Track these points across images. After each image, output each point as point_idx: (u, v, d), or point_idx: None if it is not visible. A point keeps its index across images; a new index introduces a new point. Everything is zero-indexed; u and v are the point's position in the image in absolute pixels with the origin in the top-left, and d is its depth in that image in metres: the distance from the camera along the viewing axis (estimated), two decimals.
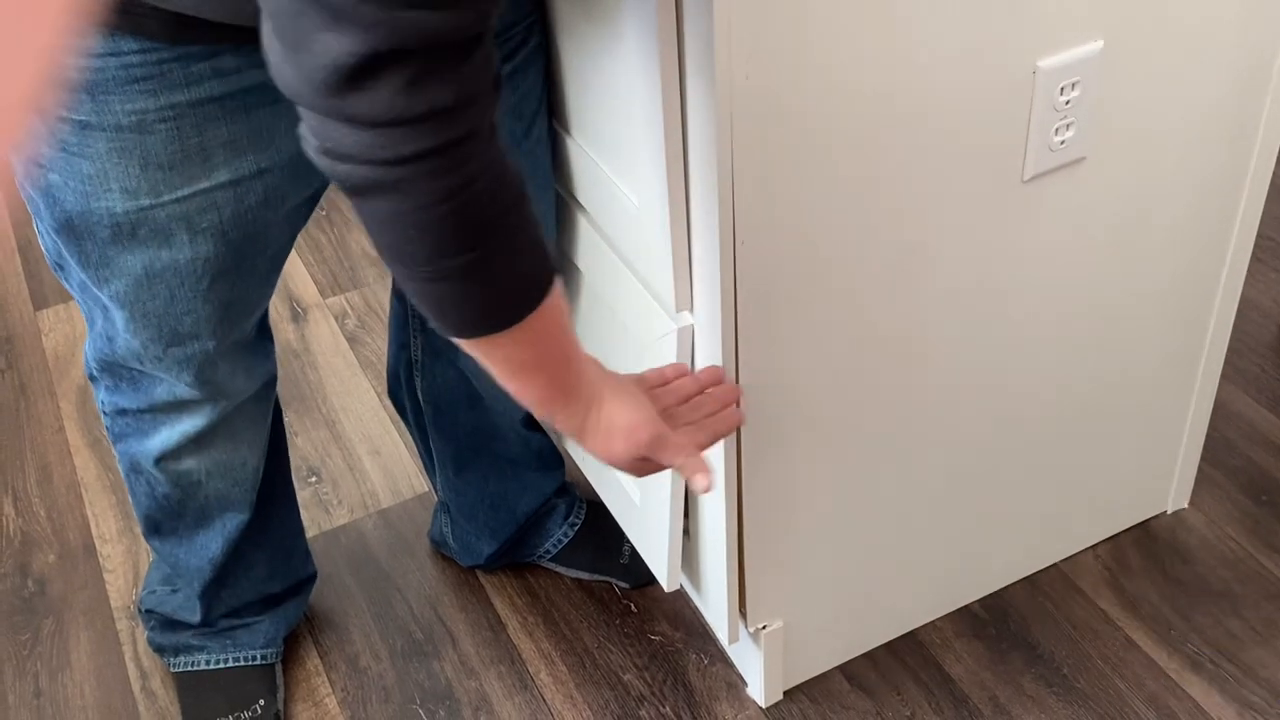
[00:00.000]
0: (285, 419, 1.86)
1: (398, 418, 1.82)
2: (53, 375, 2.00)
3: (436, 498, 1.64)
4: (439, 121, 0.78)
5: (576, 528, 1.61)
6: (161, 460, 1.28)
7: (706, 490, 1.04)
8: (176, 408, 1.24)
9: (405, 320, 1.44)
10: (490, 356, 0.95)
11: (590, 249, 1.31)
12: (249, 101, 1.03)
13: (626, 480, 1.41)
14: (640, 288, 1.22)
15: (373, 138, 0.78)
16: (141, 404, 1.24)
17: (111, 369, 1.22)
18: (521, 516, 1.57)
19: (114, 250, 1.08)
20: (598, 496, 1.55)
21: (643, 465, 1.06)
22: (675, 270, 1.15)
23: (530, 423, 1.53)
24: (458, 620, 1.59)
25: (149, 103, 1.00)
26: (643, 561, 1.58)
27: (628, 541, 1.60)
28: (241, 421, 1.28)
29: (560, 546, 1.60)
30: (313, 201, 1.18)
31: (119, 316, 1.14)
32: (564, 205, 1.32)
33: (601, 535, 1.61)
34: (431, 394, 1.46)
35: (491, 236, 0.86)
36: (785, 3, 0.97)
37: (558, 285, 0.94)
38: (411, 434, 1.58)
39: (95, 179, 1.03)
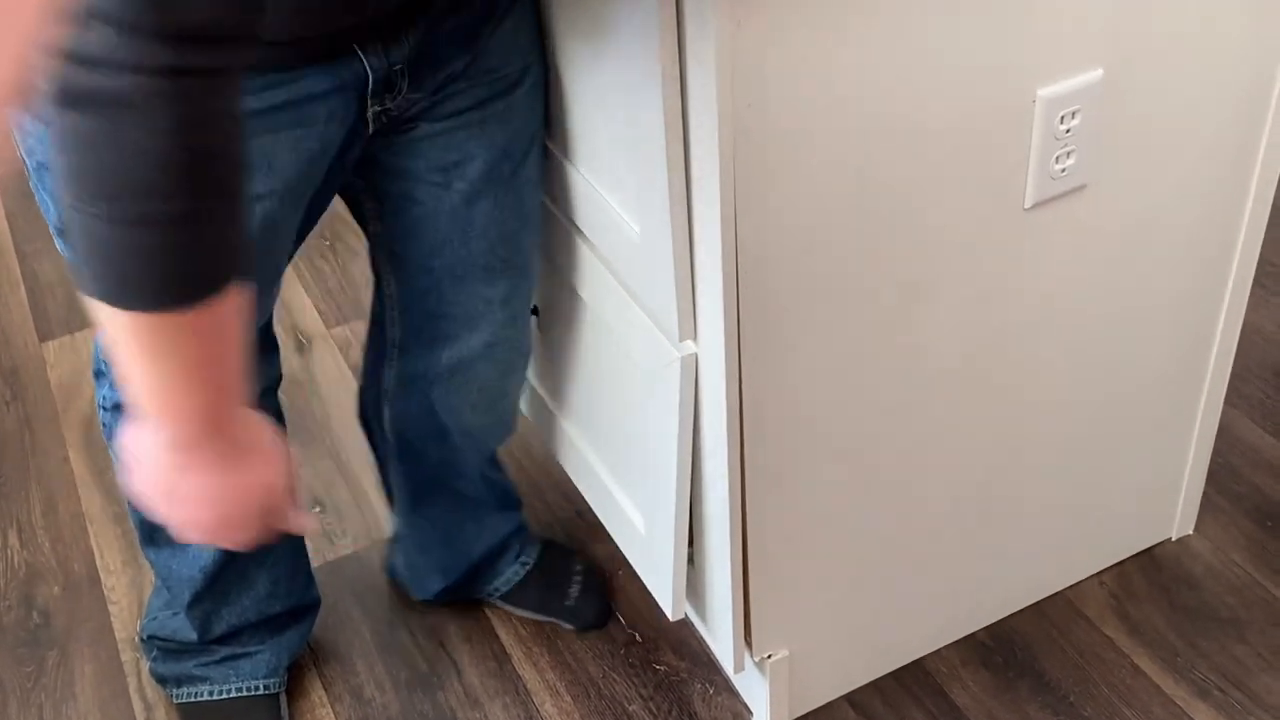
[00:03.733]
0: (290, 450, 1.86)
1: None
2: (58, 406, 2.00)
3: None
4: (194, 44, 0.76)
5: (528, 567, 1.60)
6: None
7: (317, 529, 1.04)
8: None
9: (382, 348, 1.43)
10: (171, 344, 0.86)
11: (593, 278, 1.31)
12: (247, 129, 1.03)
13: (631, 508, 1.41)
14: (644, 317, 1.23)
15: (126, 42, 0.74)
16: None
17: None
18: (476, 556, 1.56)
19: None
20: (550, 536, 1.53)
21: (255, 520, 1.03)
22: (679, 299, 1.15)
23: (494, 464, 1.53)
24: (462, 651, 1.59)
25: None
26: (590, 603, 1.59)
27: (576, 583, 1.60)
28: None
29: (510, 586, 1.60)
30: (311, 222, 1.18)
31: None
32: (567, 234, 1.32)
33: (550, 576, 1.61)
34: (398, 425, 1.44)
35: (216, 192, 0.82)
36: (787, 33, 0.98)
37: (244, 290, 0.88)
38: (376, 461, 1.57)
39: None
